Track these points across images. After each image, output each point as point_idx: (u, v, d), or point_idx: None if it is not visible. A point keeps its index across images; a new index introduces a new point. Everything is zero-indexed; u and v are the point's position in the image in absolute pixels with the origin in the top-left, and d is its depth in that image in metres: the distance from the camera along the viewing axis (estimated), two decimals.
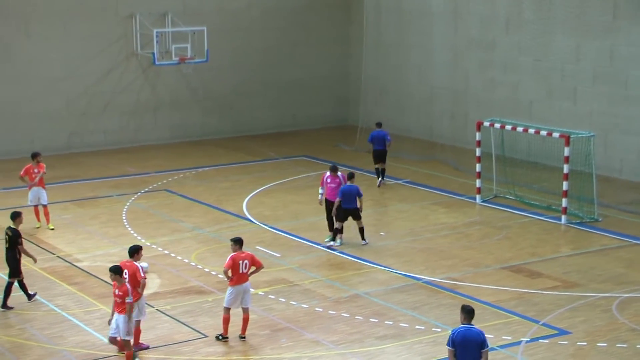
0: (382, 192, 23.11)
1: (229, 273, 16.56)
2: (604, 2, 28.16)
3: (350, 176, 22.16)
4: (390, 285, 19.54)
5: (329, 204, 22.36)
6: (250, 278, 16.71)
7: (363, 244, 21.98)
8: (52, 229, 23.44)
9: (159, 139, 34.27)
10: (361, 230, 22.12)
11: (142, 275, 16.01)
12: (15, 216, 18.62)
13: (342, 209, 21.84)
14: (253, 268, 16.75)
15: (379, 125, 28.14)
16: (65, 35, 32.37)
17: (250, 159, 31.75)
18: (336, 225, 22.08)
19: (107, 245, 22.20)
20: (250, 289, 16.86)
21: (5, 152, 31.52)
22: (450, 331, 13.01)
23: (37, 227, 23.53)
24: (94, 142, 33.22)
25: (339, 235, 22.06)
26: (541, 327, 17.26)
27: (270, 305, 18.40)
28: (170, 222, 24.02)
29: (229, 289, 16.65)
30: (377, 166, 27.70)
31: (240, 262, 16.55)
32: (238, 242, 16.78)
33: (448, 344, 12.85)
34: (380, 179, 27.53)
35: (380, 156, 27.58)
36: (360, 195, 21.91)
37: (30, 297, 18.61)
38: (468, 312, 12.89)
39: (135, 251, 16.26)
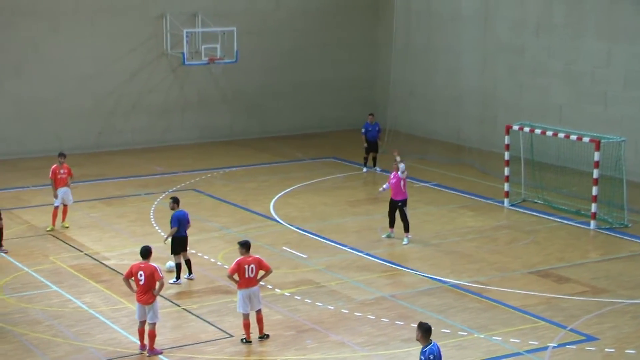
0: (409, 195, 23.11)
1: (236, 277, 16.51)
2: (636, 5, 27.93)
3: (176, 201, 19.88)
4: (416, 288, 19.47)
5: (392, 201, 22.43)
6: (271, 280, 16.62)
7: (187, 277, 19.83)
8: (67, 227, 23.54)
9: (187, 139, 34.38)
10: (187, 262, 19.94)
11: (161, 275, 16.04)
12: None
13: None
14: (262, 272, 16.70)
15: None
16: (94, 34, 32.55)
17: (278, 159, 31.78)
18: (175, 260, 19.82)
19: (134, 244, 22.25)
20: (260, 293, 16.81)
21: (34, 151, 31.74)
22: (432, 356, 12.41)
23: (49, 230, 23.41)
24: (122, 141, 33.37)
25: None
26: (568, 332, 17.14)
27: (296, 306, 18.39)
28: (197, 221, 24.04)
29: (238, 293, 16.65)
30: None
31: (246, 266, 16.46)
32: (244, 246, 16.68)
33: None
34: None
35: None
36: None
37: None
38: (427, 330, 12.60)
39: (148, 252, 16.28)
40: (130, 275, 16.16)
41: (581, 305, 18.42)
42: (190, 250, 21.60)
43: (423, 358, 12.49)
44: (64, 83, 32.33)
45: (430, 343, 12.57)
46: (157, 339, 16.37)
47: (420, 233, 23.16)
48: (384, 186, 22.78)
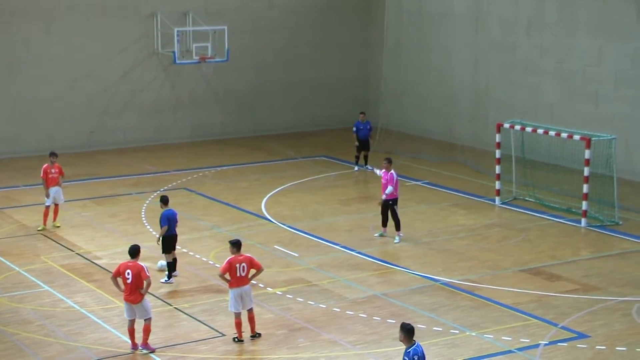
0: (401, 193, 23.14)
1: (227, 276, 16.51)
2: (627, 4, 27.99)
3: (164, 200, 19.77)
4: (408, 287, 19.49)
5: (383, 200, 22.37)
6: (263, 279, 16.63)
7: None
8: (58, 227, 23.49)
9: (178, 138, 34.35)
10: (172, 262, 19.79)
11: (147, 274, 16.03)
12: None
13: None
14: (253, 271, 16.70)
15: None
16: (86, 34, 32.49)
17: (270, 158, 31.77)
18: (167, 259, 19.79)
19: (126, 243, 22.13)
20: (251, 292, 16.82)
21: (26, 150, 31.70)
22: (416, 357, 12.36)
23: (40, 230, 23.32)
24: (114, 140, 33.33)
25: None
26: (560, 330, 17.17)
27: (288, 305, 18.40)
28: (189, 220, 24.05)
29: (229, 292, 16.65)
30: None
31: (237, 265, 16.46)
32: (235, 245, 16.67)
33: None
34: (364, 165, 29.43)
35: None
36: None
37: None
38: (410, 331, 12.50)
39: (136, 251, 16.29)
40: (118, 274, 16.15)
41: (572, 303, 18.46)
42: (182, 250, 21.61)
43: (407, 359, 12.39)
44: (56, 82, 32.27)
45: (414, 344, 12.49)
46: (149, 338, 16.36)
47: (411, 231, 23.18)
48: (378, 172, 22.69)
